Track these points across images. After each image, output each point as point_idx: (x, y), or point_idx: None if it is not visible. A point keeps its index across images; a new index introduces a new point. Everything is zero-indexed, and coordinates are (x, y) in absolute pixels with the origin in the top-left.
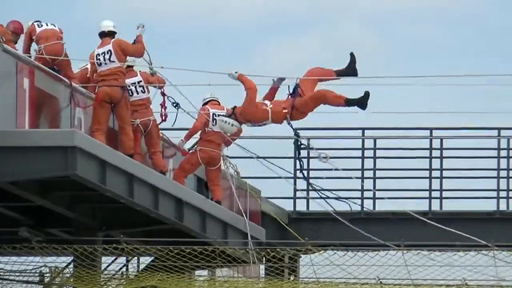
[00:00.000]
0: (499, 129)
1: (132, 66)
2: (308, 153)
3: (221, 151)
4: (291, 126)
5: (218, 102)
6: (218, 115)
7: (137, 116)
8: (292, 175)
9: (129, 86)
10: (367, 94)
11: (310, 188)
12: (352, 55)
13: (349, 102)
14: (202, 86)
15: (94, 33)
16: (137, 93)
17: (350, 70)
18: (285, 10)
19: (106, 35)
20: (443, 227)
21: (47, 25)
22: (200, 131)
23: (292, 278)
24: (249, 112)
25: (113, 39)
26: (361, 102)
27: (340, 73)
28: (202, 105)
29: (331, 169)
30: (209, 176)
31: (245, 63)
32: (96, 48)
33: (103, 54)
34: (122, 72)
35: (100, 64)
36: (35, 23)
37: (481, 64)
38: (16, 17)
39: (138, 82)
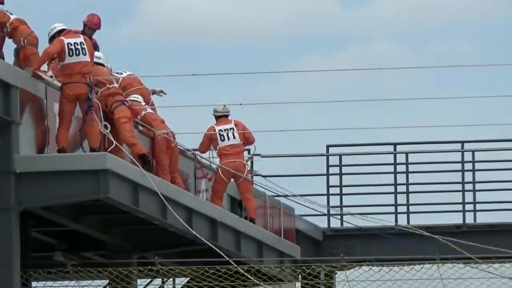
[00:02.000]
0: None
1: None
2: (340, 170)
3: (244, 159)
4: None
5: (227, 115)
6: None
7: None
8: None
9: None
10: None
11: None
12: None
13: None
14: None
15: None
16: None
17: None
18: (317, 28)
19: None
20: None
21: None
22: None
23: None
24: None
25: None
26: None
27: None
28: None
29: (363, 185)
30: (241, 189)
31: (275, 81)
32: (64, 38)
33: (75, 45)
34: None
35: (71, 55)
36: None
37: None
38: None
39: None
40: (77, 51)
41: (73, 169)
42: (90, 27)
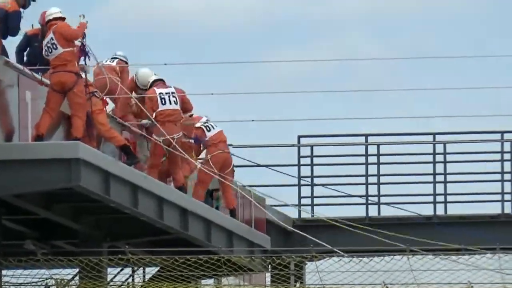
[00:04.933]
0: (502, 132)
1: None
2: (312, 160)
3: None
4: None
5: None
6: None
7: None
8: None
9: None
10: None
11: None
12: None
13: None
14: None
15: None
16: (170, 103)
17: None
18: (290, 19)
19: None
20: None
21: None
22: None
23: (298, 285)
24: None
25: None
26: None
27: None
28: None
29: (335, 176)
30: (225, 180)
31: (252, 71)
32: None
33: (47, 43)
34: (72, 57)
35: (47, 55)
36: None
37: (483, 68)
38: None
39: (172, 93)
40: None
41: (45, 157)
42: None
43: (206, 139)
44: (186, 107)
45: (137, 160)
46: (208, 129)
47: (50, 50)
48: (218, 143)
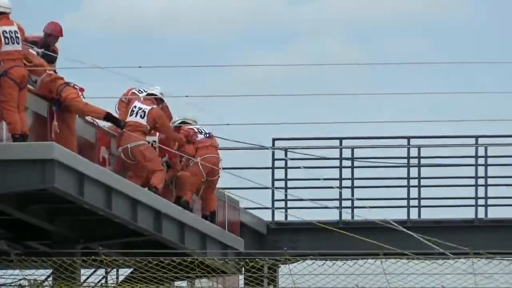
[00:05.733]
0: (476, 136)
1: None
2: (286, 163)
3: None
4: None
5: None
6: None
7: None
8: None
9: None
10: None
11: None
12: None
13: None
14: None
15: None
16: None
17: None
18: (266, 22)
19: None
20: (419, 237)
21: None
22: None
23: None
24: None
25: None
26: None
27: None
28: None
29: (309, 179)
30: (211, 185)
31: (227, 74)
32: None
33: (10, 33)
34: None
35: (8, 43)
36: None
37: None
38: None
39: None
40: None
41: (19, 158)
42: (57, 35)
43: (198, 139)
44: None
45: (124, 123)
46: (200, 131)
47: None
48: (209, 147)
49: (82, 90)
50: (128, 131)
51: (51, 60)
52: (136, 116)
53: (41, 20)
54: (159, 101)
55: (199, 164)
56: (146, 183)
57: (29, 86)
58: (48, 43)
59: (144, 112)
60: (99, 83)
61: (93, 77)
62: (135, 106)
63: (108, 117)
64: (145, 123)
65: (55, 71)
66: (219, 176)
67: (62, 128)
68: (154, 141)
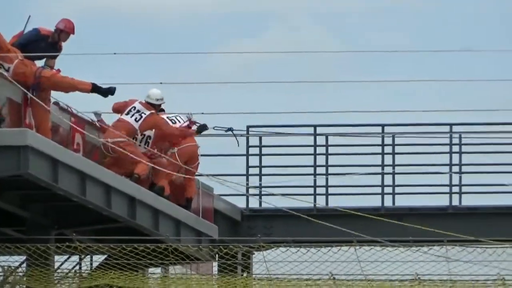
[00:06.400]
0: (451, 124)
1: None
2: (260, 150)
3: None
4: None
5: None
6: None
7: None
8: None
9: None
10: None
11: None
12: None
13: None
14: None
15: None
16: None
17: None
18: (243, 9)
19: None
20: (395, 222)
21: None
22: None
23: (245, 275)
24: None
25: None
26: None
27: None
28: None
29: (283, 166)
30: (189, 173)
31: (203, 62)
32: None
33: None
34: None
35: None
36: None
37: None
38: None
39: None
40: None
41: None
42: (68, 32)
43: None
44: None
45: (114, 87)
46: (173, 122)
47: None
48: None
49: (58, 71)
50: (116, 127)
51: (54, 57)
52: (131, 116)
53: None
54: (157, 106)
55: (176, 155)
56: (130, 174)
57: (2, 72)
58: (58, 38)
59: (141, 116)
60: (74, 71)
61: (67, 64)
62: (134, 107)
63: (94, 88)
64: (137, 127)
65: (52, 67)
66: (198, 163)
67: (37, 113)
68: (149, 137)
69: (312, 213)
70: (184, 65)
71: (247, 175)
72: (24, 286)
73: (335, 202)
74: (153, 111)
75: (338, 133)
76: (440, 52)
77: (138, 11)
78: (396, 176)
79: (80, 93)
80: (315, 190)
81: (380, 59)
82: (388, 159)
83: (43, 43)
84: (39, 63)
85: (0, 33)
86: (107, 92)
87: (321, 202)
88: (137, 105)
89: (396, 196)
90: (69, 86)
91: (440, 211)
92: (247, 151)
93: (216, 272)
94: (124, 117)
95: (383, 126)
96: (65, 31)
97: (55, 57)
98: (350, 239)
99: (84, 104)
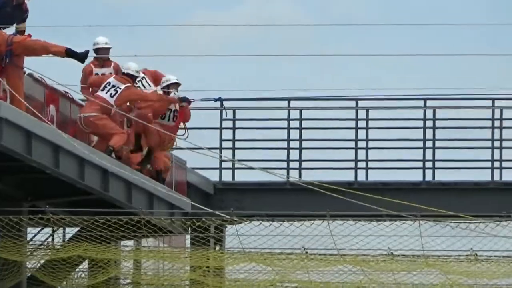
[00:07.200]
0: (425, 99)
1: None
2: (234, 123)
3: None
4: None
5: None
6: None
7: None
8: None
9: None
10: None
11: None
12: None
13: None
14: None
15: None
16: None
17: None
18: None
19: None
20: (369, 195)
21: None
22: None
23: (217, 248)
24: None
25: None
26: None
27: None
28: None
29: (257, 140)
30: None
31: (175, 35)
32: None
33: None
34: None
35: None
36: None
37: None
38: None
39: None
40: None
41: None
42: None
43: None
44: None
45: (87, 51)
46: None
47: None
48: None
49: (29, 36)
50: (90, 102)
51: (22, 18)
52: (107, 92)
53: None
54: (134, 78)
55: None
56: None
57: None
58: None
59: (116, 91)
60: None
61: (41, 36)
62: (109, 83)
63: (69, 52)
64: (113, 103)
65: (23, 31)
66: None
67: (12, 82)
68: (176, 110)
69: (285, 187)
70: (157, 39)
71: (220, 148)
72: None
73: (308, 176)
74: (128, 84)
75: (311, 107)
76: (415, 26)
77: None
78: (369, 150)
79: (55, 61)
80: (288, 164)
81: (357, 31)
82: (361, 134)
83: (8, 8)
84: (10, 30)
85: None
86: (84, 57)
87: (294, 176)
88: (111, 80)
89: (370, 170)
90: (42, 49)
91: (413, 186)
92: (221, 124)
93: (189, 245)
94: (99, 93)
95: (357, 100)
96: None
97: (24, 20)
98: (323, 213)
99: (58, 76)
